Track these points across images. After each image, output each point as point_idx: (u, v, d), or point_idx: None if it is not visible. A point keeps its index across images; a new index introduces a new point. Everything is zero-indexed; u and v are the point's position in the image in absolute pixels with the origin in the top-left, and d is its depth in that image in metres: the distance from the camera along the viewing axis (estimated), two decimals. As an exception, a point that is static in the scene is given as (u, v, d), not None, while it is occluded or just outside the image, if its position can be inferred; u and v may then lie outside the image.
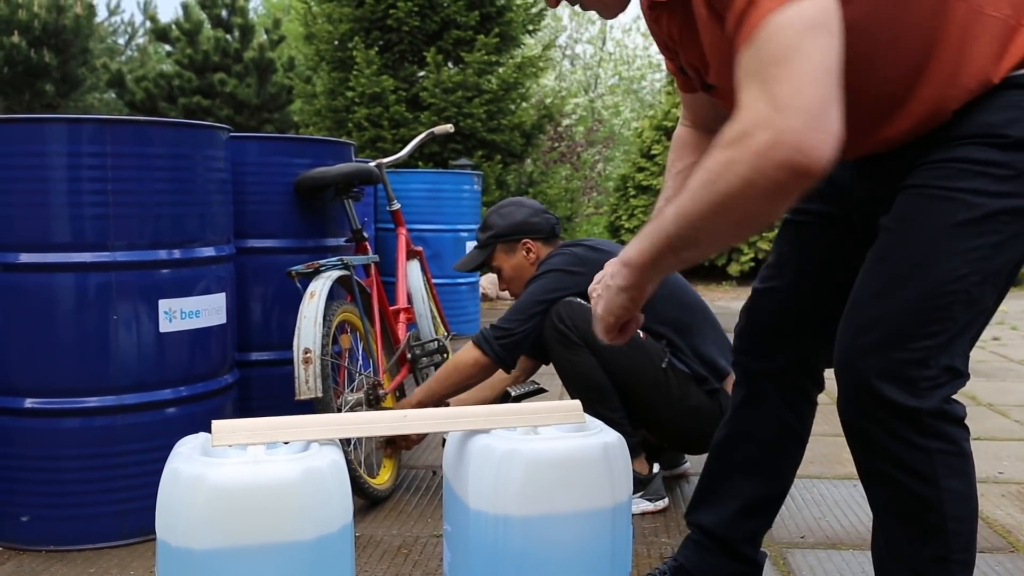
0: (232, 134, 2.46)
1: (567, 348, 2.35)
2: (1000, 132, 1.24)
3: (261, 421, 1.38)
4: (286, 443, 1.38)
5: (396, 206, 3.19)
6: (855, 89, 1.18)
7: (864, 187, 1.46)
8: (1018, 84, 1.25)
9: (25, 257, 2.08)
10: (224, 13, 11.73)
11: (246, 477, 1.24)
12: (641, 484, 2.40)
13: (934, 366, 1.27)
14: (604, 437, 1.41)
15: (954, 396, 1.31)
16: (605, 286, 1.35)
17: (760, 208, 1.11)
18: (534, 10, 8.63)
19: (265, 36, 11.83)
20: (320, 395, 2.22)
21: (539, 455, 1.35)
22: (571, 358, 2.35)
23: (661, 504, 2.44)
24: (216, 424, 1.36)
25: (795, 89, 1.05)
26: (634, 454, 2.38)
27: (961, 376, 1.31)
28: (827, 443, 3.13)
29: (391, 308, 2.88)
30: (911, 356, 1.26)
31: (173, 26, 11.46)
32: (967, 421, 1.36)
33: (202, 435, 1.39)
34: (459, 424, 1.47)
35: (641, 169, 10.30)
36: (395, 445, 2.59)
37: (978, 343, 5.01)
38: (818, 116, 1.05)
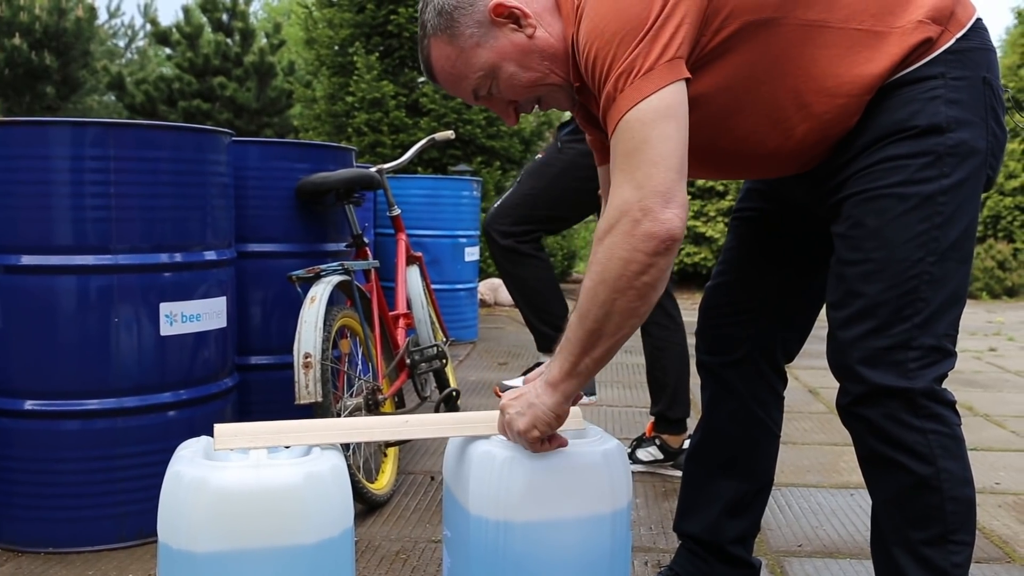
0: (234, 138, 2.47)
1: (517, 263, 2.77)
2: (909, 125, 1.37)
3: (263, 425, 1.39)
4: (287, 447, 1.39)
5: (396, 211, 3.20)
6: (756, 119, 1.40)
7: (801, 189, 1.56)
8: (906, 82, 1.38)
9: (27, 259, 2.08)
10: (225, 17, 11.76)
11: (248, 481, 1.25)
12: (671, 456, 2.80)
13: (917, 347, 1.36)
14: (604, 444, 1.42)
15: (945, 379, 1.39)
16: (529, 403, 1.37)
17: (644, 282, 1.28)
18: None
19: (265, 40, 11.86)
20: (320, 400, 2.22)
21: (540, 462, 1.36)
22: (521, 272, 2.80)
23: None
24: (218, 428, 1.37)
25: (647, 175, 1.26)
26: (674, 430, 2.79)
27: (949, 356, 1.39)
28: (824, 452, 3.14)
29: (390, 313, 2.89)
30: (892, 341, 1.36)
31: (173, 29, 11.49)
32: (962, 430, 1.42)
33: (204, 438, 1.40)
34: (460, 430, 1.48)
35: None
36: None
37: (973, 354, 5.03)
38: (666, 194, 1.26)
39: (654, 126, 1.27)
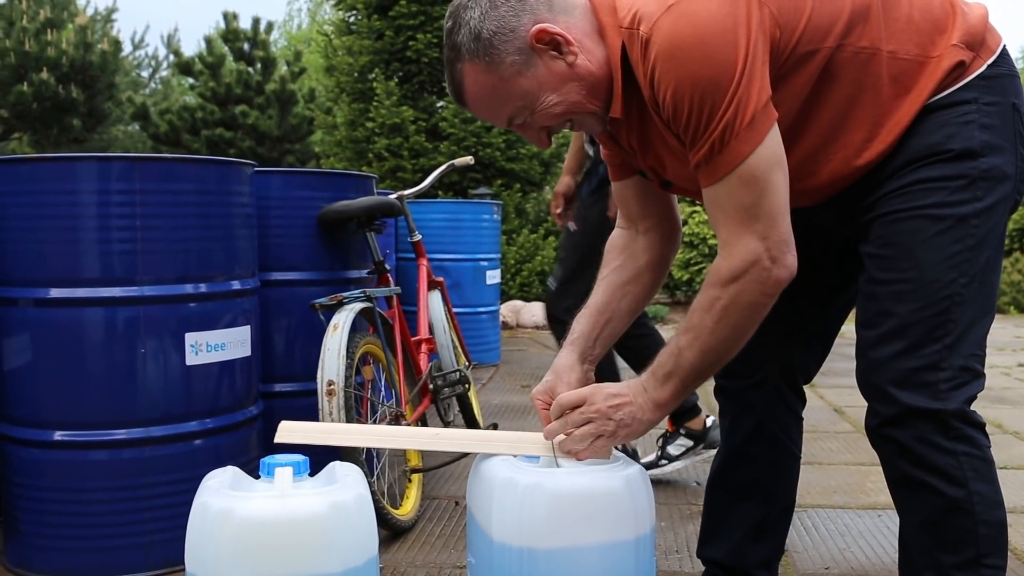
0: (256, 169, 2.50)
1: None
2: (943, 149, 1.37)
3: (321, 425, 1.40)
4: (312, 475, 1.40)
5: (417, 237, 3.22)
6: (806, 147, 1.41)
7: (826, 210, 1.55)
8: (941, 106, 1.38)
9: (56, 292, 2.12)
10: (246, 46, 11.94)
11: (274, 511, 1.26)
12: (699, 438, 2.88)
13: (947, 368, 1.35)
14: (626, 470, 1.42)
15: (974, 400, 1.38)
16: (637, 419, 1.41)
17: (761, 317, 1.37)
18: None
19: (286, 68, 12.01)
20: (343, 426, 2.24)
21: (562, 488, 1.36)
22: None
23: None
24: (283, 424, 1.47)
25: (770, 226, 1.32)
26: (692, 415, 2.87)
27: (979, 376, 1.39)
28: (850, 472, 3.11)
29: (413, 339, 2.90)
30: (923, 362, 1.35)
31: (196, 59, 11.67)
32: (991, 449, 1.41)
33: (230, 468, 1.41)
34: (487, 447, 1.49)
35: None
36: None
37: (1002, 369, 4.96)
38: (788, 239, 1.34)
39: (768, 178, 1.31)
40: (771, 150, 1.31)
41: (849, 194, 1.47)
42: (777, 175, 1.31)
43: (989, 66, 1.40)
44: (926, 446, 1.35)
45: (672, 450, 2.88)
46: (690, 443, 2.89)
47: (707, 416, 2.92)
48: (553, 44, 1.33)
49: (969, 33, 1.39)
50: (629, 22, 1.31)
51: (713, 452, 2.77)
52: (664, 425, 2.98)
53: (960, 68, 1.38)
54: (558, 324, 2.93)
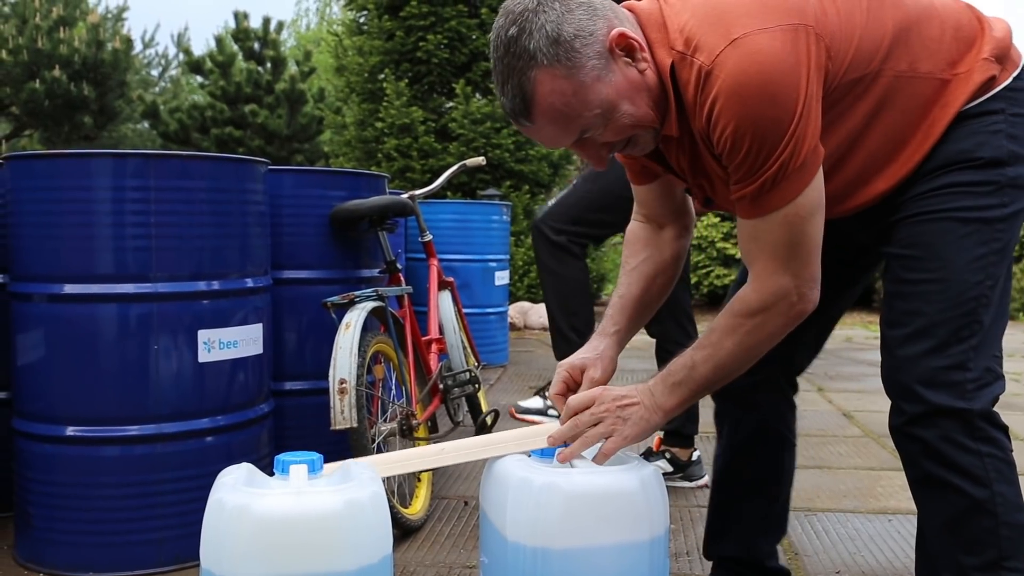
0: (269, 167, 2.50)
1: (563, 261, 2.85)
2: (973, 156, 1.40)
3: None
4: (324, 473, 1.40)
5: (428, 237, 3.22)
6: (848, 172, 1.43)
7: (850, 217, 1.55)
8: (972, 115, 1.41)
9: (70, 288, 2.12)
10: (256, 46, 11.96)
11: (289, 508, 1.26)
12: (680, 467, 2.84)
13: (973, 368, 1.37)
14: (641, 471, 1.42)
15: (997, 402, 1.40)
16: (644, 419, 1.43)
17: (776, 343, 1.43)
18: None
19: (296, 68, 12.03)
20: (355, 425, 2.24)
21: (578, 488, 1.36)
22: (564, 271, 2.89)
23: (701, 482, 2.85)
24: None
25: (803, 264, 1.37)
26: (685, 444, 2.84)
27: (1000, 377, 1.41)
28: (860, 476, 3.10)
29: (423, 339, 2.90)
30: (950, 362, 1.37)
31: (207, 58, 11.69)
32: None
33: (245, 465, 1.41)
34: (495, 451, 1.50)
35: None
36: None
37: (1012, 376, 4.92)
38: (817, 276, 1.39)
39: (810, 220, 1.35)
40: (817, 192, 1.34)
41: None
42: (818, 217, 1.35)
43: (1015, 79, 1.43)
44: (951, 445, 1.36)
45: None
46: (669, 469, 2.85)
47: (695, 450, 2.89)
48: (628, 50, 1.30)
49: (997, 47, 1.41)
50: (682, 46, 1.30)
51: (689, 485, 2.86)
52: (650, 441, 2.98)
53: (990, 82, 1.40)
54: (539, 239, 2.92)
